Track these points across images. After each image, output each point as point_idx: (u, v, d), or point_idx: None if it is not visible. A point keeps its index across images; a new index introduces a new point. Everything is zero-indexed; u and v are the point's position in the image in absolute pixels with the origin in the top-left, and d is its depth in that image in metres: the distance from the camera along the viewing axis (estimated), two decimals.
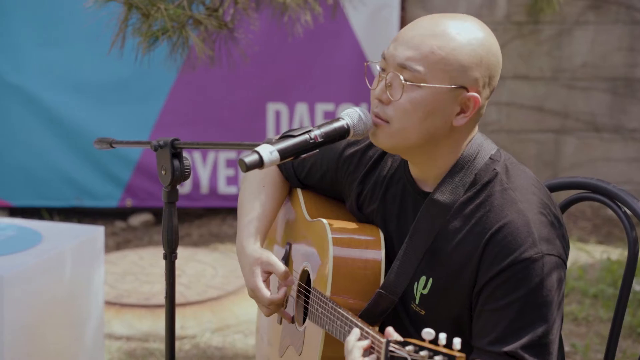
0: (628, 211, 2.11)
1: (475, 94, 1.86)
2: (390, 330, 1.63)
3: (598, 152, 5.16)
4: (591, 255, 4.61)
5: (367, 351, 1.70)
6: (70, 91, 4.89)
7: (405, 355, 1.49)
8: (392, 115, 1.86)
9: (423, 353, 1.47)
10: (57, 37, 4.83)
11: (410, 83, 1.83)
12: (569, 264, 4.73)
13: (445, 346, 1.48)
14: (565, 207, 2.23)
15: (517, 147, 5.16)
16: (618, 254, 4.57)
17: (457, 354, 1.45)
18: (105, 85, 4.90)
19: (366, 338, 1.72)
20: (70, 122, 4.90)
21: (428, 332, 1.49)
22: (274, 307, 2.09)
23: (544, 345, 1.81)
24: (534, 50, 5.09)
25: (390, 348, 1.53)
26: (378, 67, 1.90)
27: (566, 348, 3.74)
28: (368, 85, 1.93)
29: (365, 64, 2.00)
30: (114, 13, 2.87)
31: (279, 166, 2.20)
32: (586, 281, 4.27)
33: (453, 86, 1.84)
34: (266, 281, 2.09)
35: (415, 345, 1.49)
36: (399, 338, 1.57)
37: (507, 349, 1.79)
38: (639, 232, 2.16)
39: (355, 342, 1.73)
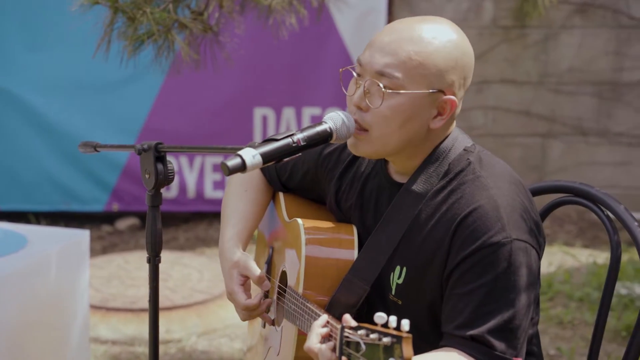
0: (611, 215, 2.12)
1: (452, 97, 1.88)
2: (346, 317, 1.65)
3: (584, 156, 5.18)
4: (577, 259, 4.62)
5: (326, 338, 1.73)
6: (57, 95, 4.88)
7: (358, 339, 1.55)
8: (371, 122, 1.88)
9: (373, 336, 1.53)
10: (44, 40, 4.82)
11: (390, 90, 1.85)
12: (554, 267, 4.75)
13: (395, 328, 1.52)
14: (548, 210, 2.24)
15: (504, 151, 5.17)
16: (604, 257, 4.58)
17: (405, 335, 1.50)
18: (93, 89, 4.89)
19: (327, 326, 1.75)
20: (57, 125, 4.90)
21: (380, 316, 1.54)
22: (250, 312, 2.10)
23: (510, 330, 1.81)
24: (520, 55, 5.11)
25: (345, 333, 1.58)
26: (354, 73, 1.91)
27: (552, 351, 3.75)
28: (344, 91, 1.94)
29: (340, 70, 2.00)
30: (100, 17, 2.87)
31: (262, 170, 2.21)
32: (572, 285, 4.28)
33: (431, 91, 1.86)
34: (244, 284, 2.10)
35: (367, 329, 1.55)
36: (354, 324, 1.60)
37: (473, 332, 1.80)
38: (622, 235, 2.17)
39: (316, 329, 1.75)
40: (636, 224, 2.07)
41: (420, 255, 1.90)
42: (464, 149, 1.94)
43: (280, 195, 2.22)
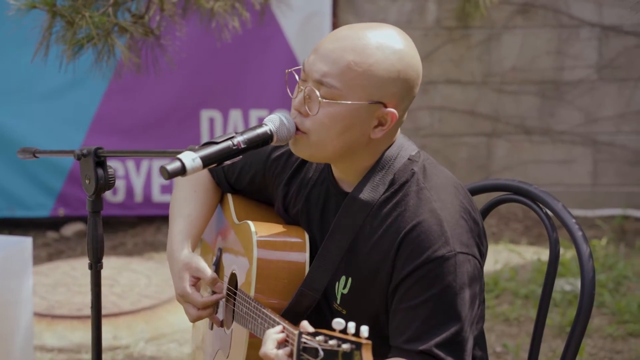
0: (549, 212, 2.15)
1: (392, 110, 1.88)
2: (304, 323, 1.65)
3: (528, 154, 5.24)
4: (522, 257, 4.68)
5: (282, 344, 1.73)
6: (0, 99, 4.81)
7: (316, 345, 1.54)
8: (309, 127, 1.88)
9: (332, 342, 1.52)
10: None
11: (326, 100, 1.85)
12: (500, 265, 4.80)
13: (354, 335, 1.52)
14: (489, 209, 2.26)
15: (450, 150, 5.22)
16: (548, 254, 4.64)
17: (364, 341, 1.50)
18: (37, 94, 4.84)
19: (283, 332, 1.75)
20: (0, 131, 4.83)
21: (338, 322, 1.53)
22: (204, 311, 2.09)
23: (457, 343, 1.83)
24: (464, 55, 5.16)
25: (303, 339, 1.58)
26: (297, 78, 1.91)
27: (498, 348, 3.79)
28: (289, 93, 1.94)
29: (286, 71, 2.01)
30: (38, 21, 2.84)
31: (211, 171, 2.20)
32: (517, 282, 4.33)
33: (369, 102, 1.86)
34: (195, 285, 2.10)
35: (325, 335, 1.54)
36: (311, 329, 1.60)
37: (422, 347, 1.82)
38: (562, 233, 2.20)
39: (271, 334, 1.75)
40: (574, 221, 2.09)
41: (365, 266, 1.91)
42: (409, 158, 1.94)
43: (229, 196, 2.22)
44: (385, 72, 1.85)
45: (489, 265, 4.48)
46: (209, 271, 2.08)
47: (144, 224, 5.09)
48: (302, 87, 1.88)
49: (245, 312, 1.99)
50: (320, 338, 1.54)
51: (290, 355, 1.69)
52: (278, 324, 1.80)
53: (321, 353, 1.53)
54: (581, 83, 5.16)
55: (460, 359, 1.84)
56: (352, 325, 1.52)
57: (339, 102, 1.84)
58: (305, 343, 1.57)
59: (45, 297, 4.07)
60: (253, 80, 4.97)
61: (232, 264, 2.13)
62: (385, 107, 1.87)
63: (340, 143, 1.88)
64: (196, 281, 2.10)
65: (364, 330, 1.51)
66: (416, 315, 1.83)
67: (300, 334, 1.59)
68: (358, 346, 1.49)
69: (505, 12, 5.10)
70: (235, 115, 5.01)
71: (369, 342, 1.50)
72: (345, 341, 1.51)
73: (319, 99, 1.84)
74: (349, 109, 1.85)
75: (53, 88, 4.81)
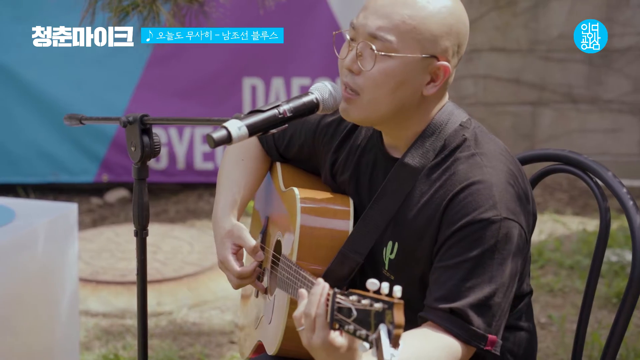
0: (600, 182, 2.11)
1: (446, 63, 1.87)
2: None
3: (574, 123, 5.17)
4: (567, 227, 4.63)
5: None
6: (45, 65, 4.84)
7: (350, 305, 1.54)
8: (362, 85, 1.86)
9: (365, 302, 1.52)
10: (30, 10, 4.78)
11: (382, 53, 1.84)
12: (544, 235, 4.76)
13: (387, 295, 1.51)
14: (538, 178, 2.23)
15: (494, 119, 5.16)
16: (594, 225, 4.59)
17: (396, 301, 1.49)
18: (81, 60, 4.85)
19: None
20: (46, 96, 4.87)
21: (372, 283, 1.53)
22: (243, 280, 2.09)
23: (489, 307, 1.81)
24: (510, 22, 5.08)
25: (337, 299, 1.58)
26: (347, 37, 1.90)
27: (542, 319, 3.76)
28: (337, 54, 1.93)
29: (334, 33, 2.00)
30: None
31: (260, 140, 2.21)
32: (562, 253, 4.29)
33: (424, 55, 1.85)
34: (236, 253, 2.10)
35: (359, 295, 1.54)
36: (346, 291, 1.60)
37: (452, 306, 1.80)
38: (611, 203, 2.16)
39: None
40: (625, 190, 2.06)
41: (412, 231, 1.90)
42: (460, 124, 1.92)
43: (278, 165, 2.22)
44: (438, 25, 1.84)
45: (534, 236, 4.42)
46: (251, 240, 2.08)
47: (186, 191, 5.12)
48: (352, 45, 1.87)
49: (287, 277, 1.99)
50: (353, 298, 1.54)
51: (325, 315, 1.68)
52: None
53: (354, 312, 1.53)
54: (630, 51, 5.07)
55: (488, 323, 1.81)
56: (385, 286, 1.51)
57: (393, 55, 1.83)
58: (339, 303, 1.57)
59: (89, 262, 4.11)
60: (295, 49, 4.94)
61: (278, 231, 2.14)
62: (438, 60, 1.86)
63: (394, 101, 1.86)
64: (238, 249, 2.10)
65: (397, 290, 1.50)
66: (452, 275, 1.81)
67: (335, 293, 1.59)
68: (390, 305, 1.49)
69: None
70: (277, 83, 4.99)
71: (401, 301, 1.49)
72: (377, 301, 1.50)
73: (375, 52, 1.83)
74: (402, 63, 1.84)
75: (97, 54, 4.82)
